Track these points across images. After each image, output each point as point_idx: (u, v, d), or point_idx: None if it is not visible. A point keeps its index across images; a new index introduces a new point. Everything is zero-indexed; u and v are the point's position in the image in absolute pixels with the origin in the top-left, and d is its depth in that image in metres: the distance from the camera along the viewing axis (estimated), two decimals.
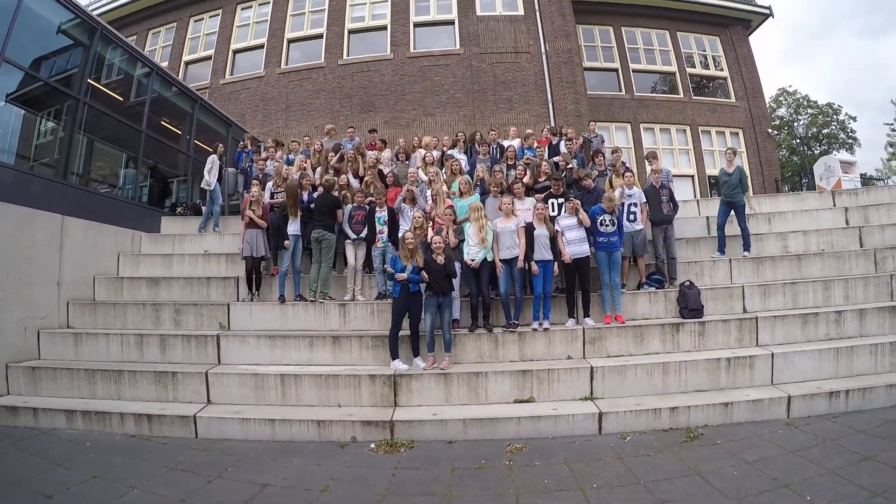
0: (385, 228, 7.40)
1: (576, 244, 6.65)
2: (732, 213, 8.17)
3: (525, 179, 7.63)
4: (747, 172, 19.03)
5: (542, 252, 6.54)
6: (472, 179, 7.98)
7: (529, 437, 5.21)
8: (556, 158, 8.80)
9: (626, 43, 18.71)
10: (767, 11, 19.51)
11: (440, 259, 6.09)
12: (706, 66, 19.49)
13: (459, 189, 7.40)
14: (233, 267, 8.28)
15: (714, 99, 19.15)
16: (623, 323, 6.60)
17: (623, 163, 8.39)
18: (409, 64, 15.31)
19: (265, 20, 16.98)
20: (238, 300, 7.61)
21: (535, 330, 6.51)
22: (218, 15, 17.63)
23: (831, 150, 30.66)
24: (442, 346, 6.14)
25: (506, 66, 15.15)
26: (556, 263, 6.62)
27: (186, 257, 8.85)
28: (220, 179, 10.07)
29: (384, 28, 16.01)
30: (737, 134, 18.87)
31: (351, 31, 16.25)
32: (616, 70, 18.47)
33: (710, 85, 19.70)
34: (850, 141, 32.88)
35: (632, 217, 7.33)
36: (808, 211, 9.78)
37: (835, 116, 33.57)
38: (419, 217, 6.79)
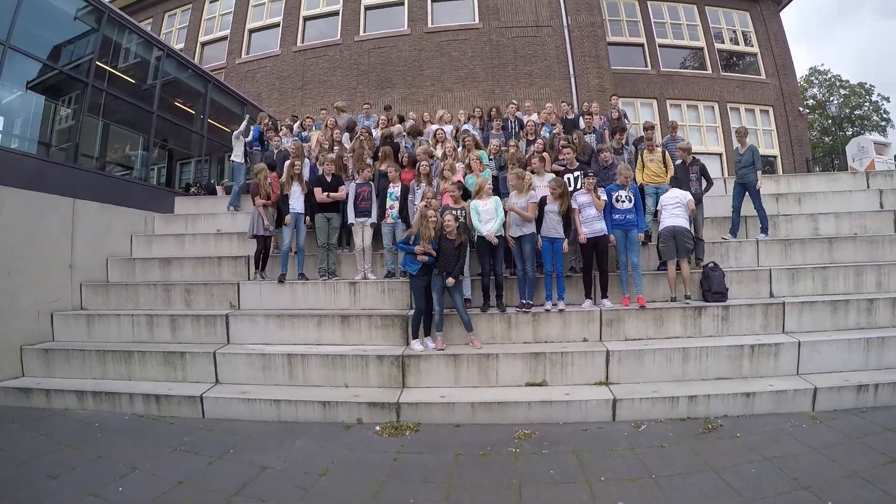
0: (396, 204, 7.22)
1: (591, 222, 6.40)
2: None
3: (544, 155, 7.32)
4: (777, 152, 18.54)
5: (550, 229, 6.38)
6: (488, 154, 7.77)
7: (540, 423, 5.04)
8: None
9: (652, 17, 18.21)
10: None
11: (454, 237, 5.97)
12: (735, 42, 18.91)
13: (469, 165, 7.19)
14: (244, 246, 8.21)
15: (743, 75, 18.62)
16: (644, 306, 6.31)
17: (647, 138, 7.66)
18: (427, 39, 14.97)
19: None
20: (249, 279, 7.58)
21: (548, 310, 6.32)
22: None
23: (864, 131, 29.42)
24: (463, 326, 6.10)
25: (526, 41, 14.73)
26: (565, 242, 6.41)
27: (199, 237, 8.84)
28: (248, 156, 9.75)
29: (401, 3, 15.67)
30: (766, 112, 18.39)
31: (367, 7, 15.99)
32: (642, 45, 18.01)
33: (740, 62, 19.12)
34: (882, 122, 31.63)
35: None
36: (840, 192, 9.34)
37: (867, 97, 32.16)
38: (430, 195, 6.59)
